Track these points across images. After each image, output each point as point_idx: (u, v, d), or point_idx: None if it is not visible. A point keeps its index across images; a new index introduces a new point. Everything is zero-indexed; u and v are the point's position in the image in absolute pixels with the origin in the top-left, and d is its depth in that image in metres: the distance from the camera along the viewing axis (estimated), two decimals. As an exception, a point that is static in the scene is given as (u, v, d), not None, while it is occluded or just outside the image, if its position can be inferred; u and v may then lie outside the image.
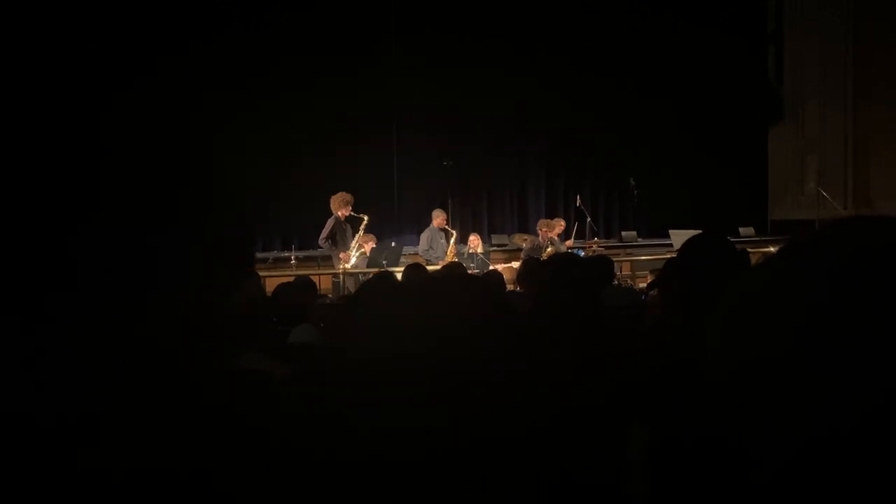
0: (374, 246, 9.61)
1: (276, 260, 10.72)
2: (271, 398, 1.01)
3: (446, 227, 10.26)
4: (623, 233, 13.21)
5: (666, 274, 2.24)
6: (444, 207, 10.85)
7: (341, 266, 9.33)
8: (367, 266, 9.17)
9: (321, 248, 9.57)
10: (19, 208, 0.77)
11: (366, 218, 9.47)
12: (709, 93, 13.70)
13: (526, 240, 11.01)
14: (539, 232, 10.42)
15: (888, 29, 13.24)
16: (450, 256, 9.74)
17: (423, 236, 10.26)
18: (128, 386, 0.76)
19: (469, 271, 7.49)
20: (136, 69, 9.87)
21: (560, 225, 10.74)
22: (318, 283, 7.47)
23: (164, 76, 9.94)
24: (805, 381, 0.58)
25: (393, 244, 10.26)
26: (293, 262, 9.95)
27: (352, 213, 9.41)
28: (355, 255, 9.42)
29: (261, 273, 8.18)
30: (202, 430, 0.79)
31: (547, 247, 10.04)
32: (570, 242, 10.66)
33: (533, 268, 5.12)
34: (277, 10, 11.51)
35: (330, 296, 8.72)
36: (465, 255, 9.97)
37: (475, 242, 10.22)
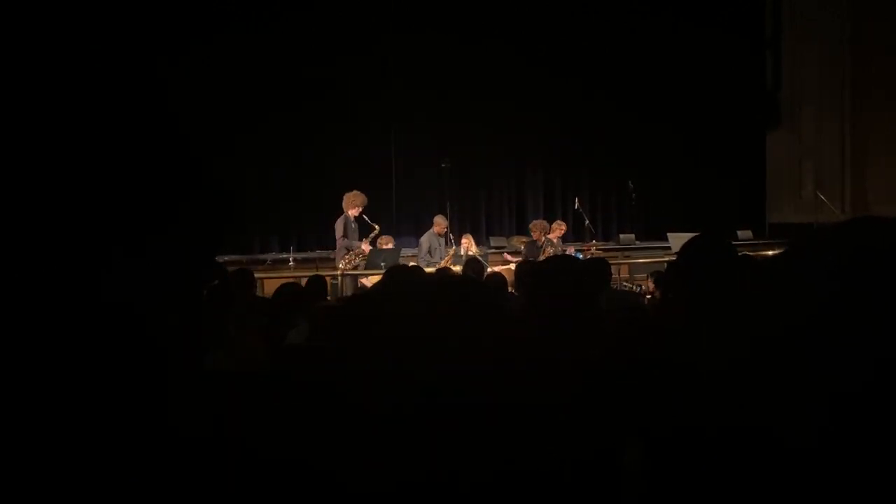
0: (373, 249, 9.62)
1: (275, 261, 10.73)
2: (247, 399, 1.00)
3: (447, 233, 10.27)
4: (621, 235, 13.22)
5: (666, 276, 2.24)
6: (442, 209, 10.84)
7: (343, 264, 9.30)
8: (365, 268, 9.18)
9: (344, 248, 9.45)
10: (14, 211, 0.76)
11: (377, 228, 9.51)
12: (707, 96, 13.71)
13: (524, 242, 11.00)
14: (532, 234, 10.45)
15: (886, 34, 13.26)
16: (446, 262, 9.73)
17: (424, 241, 10.27)
18: (112, 385, 0.76)
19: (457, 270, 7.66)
20: (133, 70, 9.84)
21: (559, 227, 10.69)
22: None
23: (161, 77, 9.91)
24: (805, 378, 0.58)
25: (391, 246, 10.25)
26: (291, 263, 9.96)
27: (364, 217, 9.44)
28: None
29: (259, 275, 8.18)
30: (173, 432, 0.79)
31: (546, 248, 10.05)
32: (571, 249, 10.58)
33: (527, 270, 5.12)
34: (276, 9, 11.51)
35: (328, 297, 8.71)
36: (462, 257, 9.96)
37: (467, 243, 10.19)
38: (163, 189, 0.80)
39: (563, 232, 10.72)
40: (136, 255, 0.76)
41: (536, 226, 10.61)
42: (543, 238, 10.29)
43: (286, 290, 4.63)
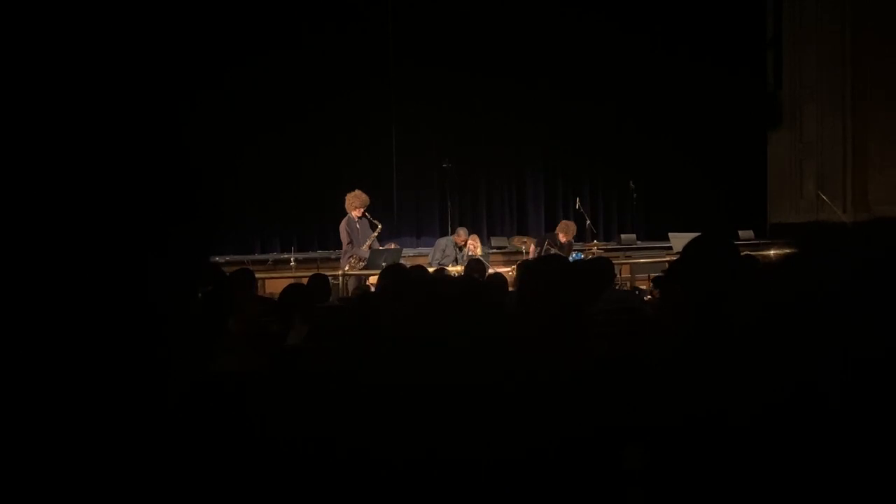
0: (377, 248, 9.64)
1: (276, 262, 10.74)
2: (251, 397, 1.00)
3: (464, 246, 10.33)
4: (622, 235, 13.21)
5: (667, 276, 2.24)
6: (442, 209, 10.86)
7: (348, 267, 9.33)
8: (366, 268, 9.19)
9: (350, 253, 9.47)
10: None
11: (379, 226, 9.54)
12: (708, 96, 13.69)
13: (525, 242, 11.02)
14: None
15: (886, 34, 13.25)
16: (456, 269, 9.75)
17: (441, 242, 10.35)
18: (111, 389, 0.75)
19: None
20: (135, 72, 9.82)
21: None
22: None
23: (161, 79, 9.88)
24: (807, 379, 0.58)
25: (393, 246, 10.28)
26: (292, 263, 9.97)
27: (367, 216, 9.47)
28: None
29: (259, 275, 8.18)
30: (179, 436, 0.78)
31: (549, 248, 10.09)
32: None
33: (523, 269, 5.12)
34: (277, 11, 11.51)
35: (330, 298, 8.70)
36: (464, 258, 9.98)
37: (473, 245, 10.22)
38: (159, 190, 0.79)
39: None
40: (133, 256, 0.76)
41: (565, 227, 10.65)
42: (565, 239, 10.36)
43: (292, 290, 4.62)
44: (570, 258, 10.27)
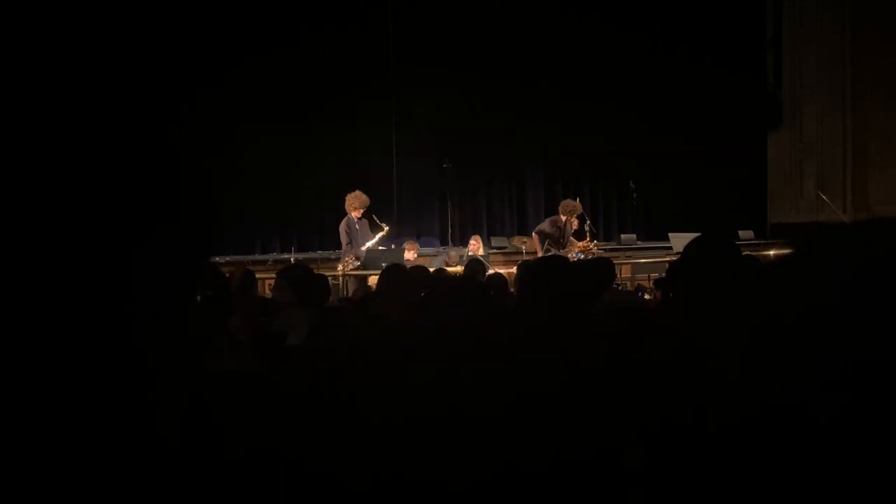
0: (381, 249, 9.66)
1: (276, 262, 10.74)
2: (257, 397, 1.00)
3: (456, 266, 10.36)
4: (622, 236, 13.21)
5: (668, 275, 2.23)
6: (443, 209, 10.86)
7: (341, 267, 9.34)
8: (365, 268, 9.19)
9: (349, 253, 9.50)
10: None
11: (386, 228, 9.55)
12: (707, 96, 13.69)
13: (525, 242, 11.02)
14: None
15: (886, 34, 13.25)
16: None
17: (434, 264, 10.42)
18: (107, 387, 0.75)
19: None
20: (136, 74, 9.83)
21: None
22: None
23: (161, 79, 9.91)
24: (807, 379, 0.58)
25: (393, 247, 10.29)
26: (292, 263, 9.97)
27: (374, 218, 9.49)
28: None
29: (259, 275, 8.18)
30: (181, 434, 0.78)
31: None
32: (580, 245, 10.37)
33: (523, 270, 5.12)
34: (277, 11, 11.50)
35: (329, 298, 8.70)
36: (465, 258, 9.99)
37: (475, 245, 10.24)
38: (159, 191, 0.79)
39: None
40: (132, 257, 0.76)
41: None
42: (564, 219, 10.28)
43: (297, 272, 4.62)
44: (572, 241, 10.21)
